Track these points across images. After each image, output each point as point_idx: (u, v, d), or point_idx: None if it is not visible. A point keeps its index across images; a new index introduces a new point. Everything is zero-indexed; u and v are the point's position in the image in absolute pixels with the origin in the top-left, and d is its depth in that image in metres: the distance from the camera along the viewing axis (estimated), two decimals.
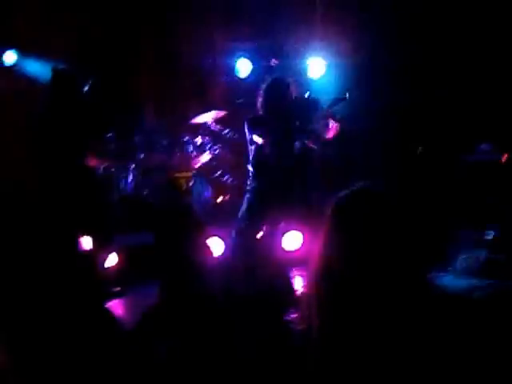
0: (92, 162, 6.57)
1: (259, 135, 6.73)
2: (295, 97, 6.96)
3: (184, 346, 2.87)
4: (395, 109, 8.52)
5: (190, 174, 8.37)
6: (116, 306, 6.33)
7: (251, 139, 6.79)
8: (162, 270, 3.24)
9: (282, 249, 7.11)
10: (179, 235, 3.23)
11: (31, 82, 8.29)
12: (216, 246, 6.89)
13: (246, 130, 6.84)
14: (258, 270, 6.08)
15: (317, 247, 2.26)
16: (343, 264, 2.11)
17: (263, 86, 6.86)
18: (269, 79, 6.94)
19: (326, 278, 2.19)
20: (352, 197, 2.22)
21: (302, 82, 9.08)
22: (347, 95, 7.00)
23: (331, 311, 2.18)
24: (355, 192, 2.23)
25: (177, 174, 8.34)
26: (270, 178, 6.81)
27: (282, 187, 6.90)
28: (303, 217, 7.21)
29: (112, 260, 6.94)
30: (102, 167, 7.33)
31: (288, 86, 6.83)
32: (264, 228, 6.66)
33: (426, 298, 2.11)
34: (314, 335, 2.28)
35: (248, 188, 6.91)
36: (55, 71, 6.50)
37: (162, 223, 3.35)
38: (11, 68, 8.49)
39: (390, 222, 2.12)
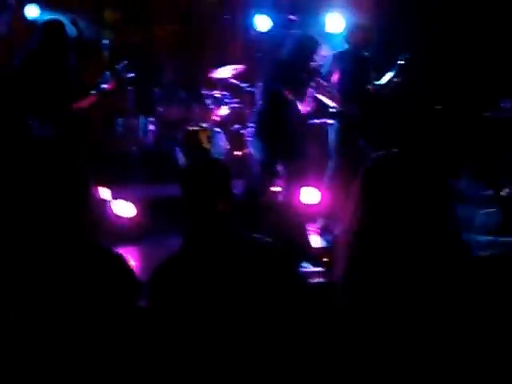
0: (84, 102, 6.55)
1: None
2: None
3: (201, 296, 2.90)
4: (415, 66, 8.48)
5: (208, 128, 8.41)
6: (132, 254, 6.40)
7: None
8: (186, 218, 3.26)
9: (300, 203, 7.15)
10: (207, 184, 3.24)
11: None
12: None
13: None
14: (275, 222, 6.17)
15: (347, 207, 2.26)
16: (375, 224, 2.09)
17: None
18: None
19: (357, 237, 2.18)
20: (386, 160, 2.21)
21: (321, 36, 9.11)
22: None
23: (360, 269, 2.16)
24: (388, 156, 2.22)
25: (196, 128, 8.38)
26: None
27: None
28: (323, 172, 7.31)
29: (129, 210, 7.06)
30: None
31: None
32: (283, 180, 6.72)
33: (461, 258, 2.08)
34: (339, 290, 2.26)
35: None
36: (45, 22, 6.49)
37: (190, 177, 3.35)
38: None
39: (424, 184, 2.11)
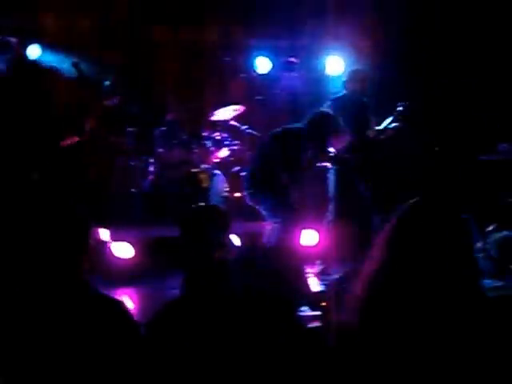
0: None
1: None
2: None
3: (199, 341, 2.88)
4: (414, 107, 8.52)
5: (208, 169, 8.40)
6: (130, 295, 6.40)
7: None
8: (185, 265, 3.27)
9: (299, 245, 7.13)
10: (206, 232, 3.25)
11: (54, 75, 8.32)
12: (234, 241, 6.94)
13: None
14: (274, 265, 6.12)
15: (372, 255, 2.25)
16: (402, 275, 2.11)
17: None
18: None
19: (377, 286, 2.18)
20: (415, 211, 2.21)
21: (321, 79, 9.19)
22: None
23: (376, 316, 2.16)
24: (418, 206, 2.22)
25: (196, 170, 8.38)
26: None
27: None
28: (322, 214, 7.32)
29: (128, 251, 7.06)
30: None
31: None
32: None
33: (478, 306, 2.10)
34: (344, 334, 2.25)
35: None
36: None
37: (189, 220, 3.36)
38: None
39: (453, 237, 2.13)
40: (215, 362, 2.83)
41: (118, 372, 2.72)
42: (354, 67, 7.91)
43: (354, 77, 7.51)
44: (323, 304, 5.53)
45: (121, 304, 2.88)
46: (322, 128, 6.48)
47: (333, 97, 7.46)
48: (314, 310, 5.48)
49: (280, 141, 6.45)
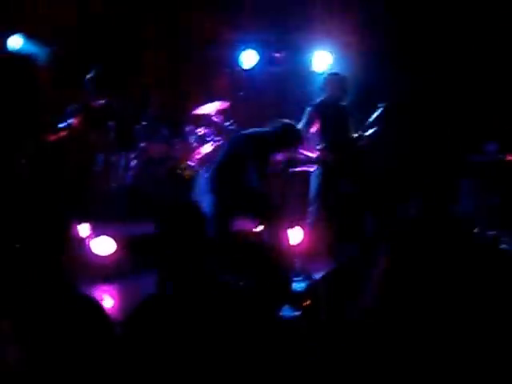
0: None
1: None
2: None
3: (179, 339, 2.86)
4: (402, 106, 8.50)
5: (191, 165, 8.30)
6: (109, 292, 6.38)
7: None
8: (162, 263, 3.31)
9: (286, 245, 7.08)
10: (182, 230, 3.24)
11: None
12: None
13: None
14: (256, 264, 6.06)
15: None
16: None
17: None
18: None
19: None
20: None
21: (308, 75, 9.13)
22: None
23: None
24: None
25: (180, 166, 8.28)
26: None
27: None
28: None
29: (108, 247, 6.96)
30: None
31: None
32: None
33: None
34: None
35: None
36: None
37: (166, 217, 3.36)
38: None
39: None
40: (191, 357, 2.82)
41: (93, 370, 2.71)
42: (332, 71, 8.05)
43: (332, 81, 7.58)
44: (305, 304, 5.48)
45: (98, 304, 2.90)
46: (286, 140, 6.78)
47: (312, 103, 7.54)
48: (295, 310, 5.42)
49: (250, 144, 6.69)
